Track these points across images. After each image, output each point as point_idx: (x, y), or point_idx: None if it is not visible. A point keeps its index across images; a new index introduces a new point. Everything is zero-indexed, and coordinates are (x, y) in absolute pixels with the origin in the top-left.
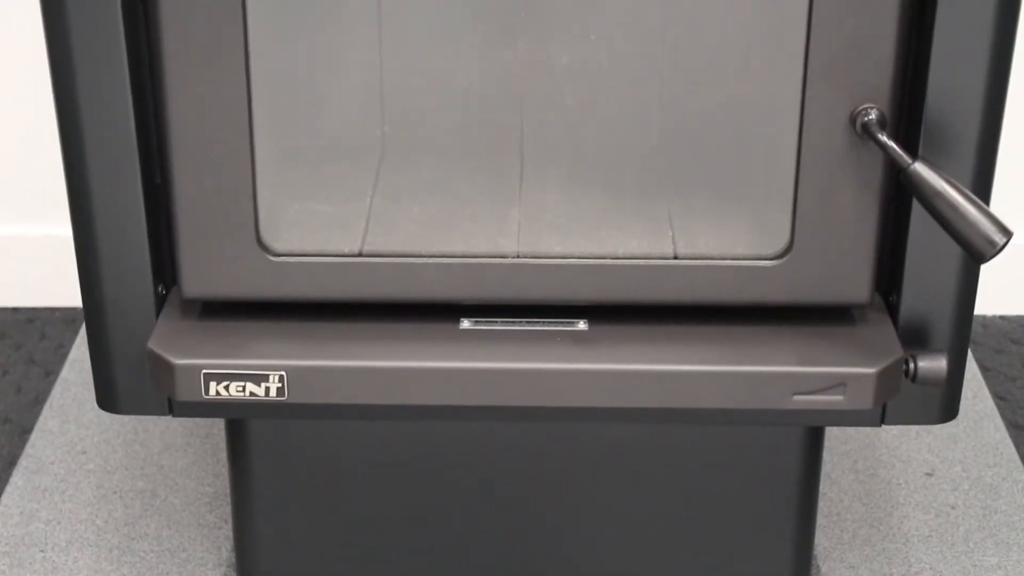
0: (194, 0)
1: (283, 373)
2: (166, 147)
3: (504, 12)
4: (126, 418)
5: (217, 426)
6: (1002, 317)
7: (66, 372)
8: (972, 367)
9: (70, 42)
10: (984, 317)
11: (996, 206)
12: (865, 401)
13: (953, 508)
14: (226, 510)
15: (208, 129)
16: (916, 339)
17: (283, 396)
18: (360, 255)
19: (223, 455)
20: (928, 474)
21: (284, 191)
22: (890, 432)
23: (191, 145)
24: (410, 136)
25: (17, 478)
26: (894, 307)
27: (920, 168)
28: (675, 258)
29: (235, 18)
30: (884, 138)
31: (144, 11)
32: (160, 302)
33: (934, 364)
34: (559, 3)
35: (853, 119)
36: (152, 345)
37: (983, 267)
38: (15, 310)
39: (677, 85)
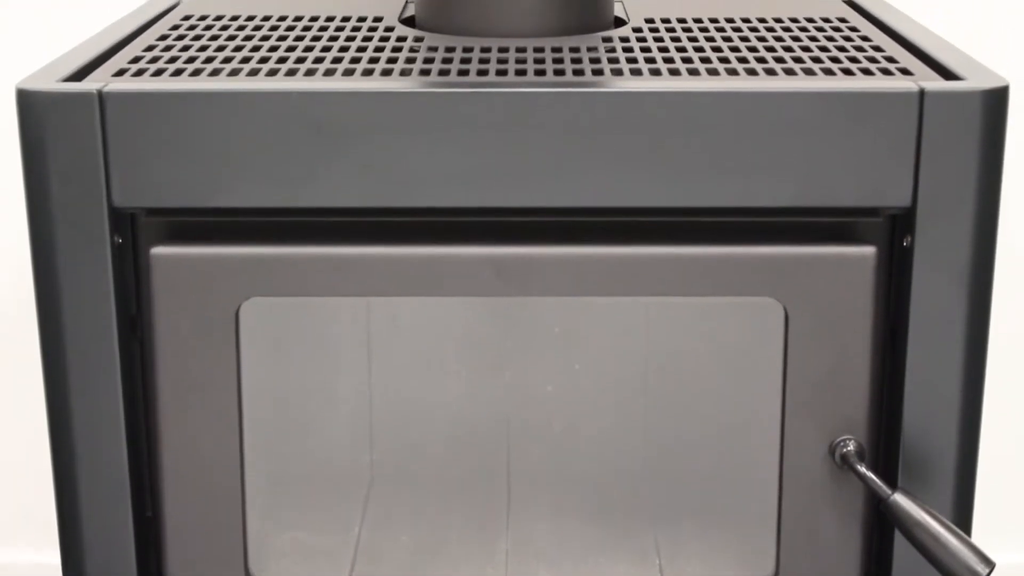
0: (189, 336)
1: None
2: (157, 480)
3: (490, 343)
4: None
5: None
6: None
7: None
8: None
9: (67, 376)
10: None
11: (978, 532)
12: None
13: None
14: None
15: (200, 462)
16: None
17: None
18: None
19: None
20: None
21: (273, 521)
22: None
23: (182, 478)
24: (398, 465)
25: None
26: None
27: (899, 499)
28: None
29: (228, 353)
30: (863, 469)
31: (140, 345)
32: None
33: None
34: (544, 334)
35: (832, 450)
36: None
37: None
38: None
39: (660, 415)
